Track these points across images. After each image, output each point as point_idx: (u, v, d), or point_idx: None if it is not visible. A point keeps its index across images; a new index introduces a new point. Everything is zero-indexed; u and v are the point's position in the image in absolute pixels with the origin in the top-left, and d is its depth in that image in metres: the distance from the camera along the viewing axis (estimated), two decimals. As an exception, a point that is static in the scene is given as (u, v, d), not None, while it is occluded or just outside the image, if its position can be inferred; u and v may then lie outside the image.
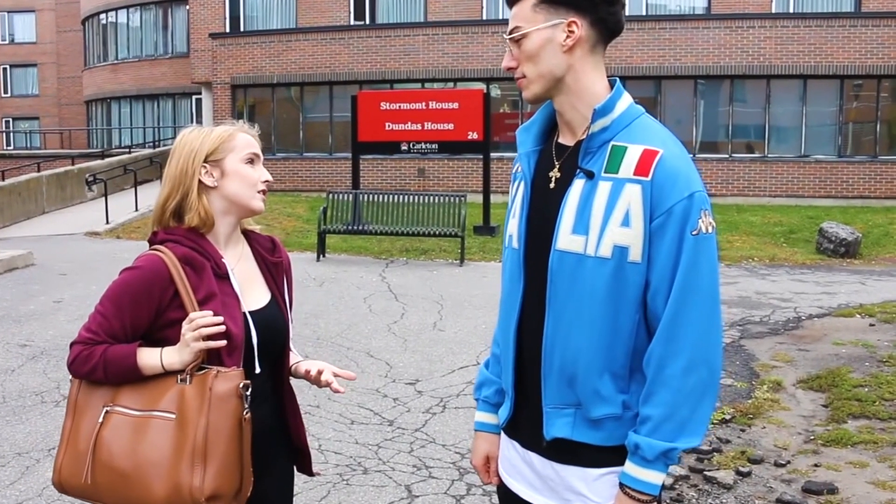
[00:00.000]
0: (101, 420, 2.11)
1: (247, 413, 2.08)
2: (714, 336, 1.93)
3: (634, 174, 1.90)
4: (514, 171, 2.17)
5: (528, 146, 2.12)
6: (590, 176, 1.94)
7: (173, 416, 2.07)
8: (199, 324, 2.08)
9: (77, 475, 2.11)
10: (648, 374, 1.92)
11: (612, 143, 1.95)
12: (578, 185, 1.96)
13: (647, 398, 1.92)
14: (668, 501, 4.53)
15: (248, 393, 2.09)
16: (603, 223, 1.91)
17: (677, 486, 4.74)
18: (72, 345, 2.17)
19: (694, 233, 1.88)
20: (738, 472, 4.89)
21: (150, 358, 2.12)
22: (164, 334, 2.15)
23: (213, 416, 2.05)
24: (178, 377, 2.10)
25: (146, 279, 2.13)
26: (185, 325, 2.10)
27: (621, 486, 1.93)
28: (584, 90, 1.99)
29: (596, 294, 1.91)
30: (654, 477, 1.90)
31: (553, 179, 2.03)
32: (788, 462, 5.08)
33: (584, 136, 1.98)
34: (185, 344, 2.09)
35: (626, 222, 1.89)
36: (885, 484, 4.70)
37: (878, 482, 4.74)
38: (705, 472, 4.89)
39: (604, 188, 1.92)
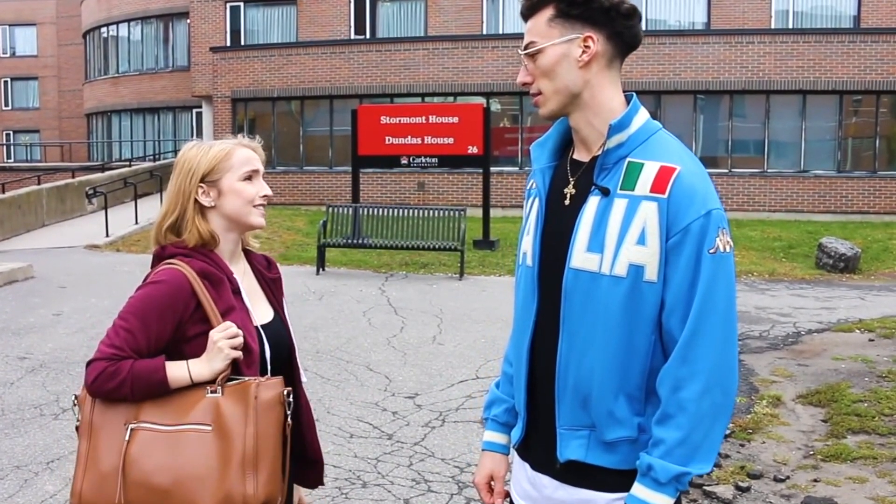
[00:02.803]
0: (127, 438, 2.06)
1: (289, 420, 2.09)
2: (730, 358, 1.88)
3: (651, 191, 1.84)
4: (528, 187, 2.11)
5: (542, 162, 2.06)
6: (605, 193, 1.89)
7: (209, 427, 2.05)
8: (233, 332, 2.09)
9: (104, 497, 2.05)
10: (662, 394, 1.85)
11: (628, 159, 1.89)
12: (594, 201, 1.90)
13: (661, 420, 1.85)
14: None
15: (291, 399, 2.10)
16: (618, 241, 1.85)
17: (677, 501, 4.73)
18: (90, 362, 2.11)
19: (711, 251, 1.83)
20: (738, 488, 4.89)
21: (177, 371, 2.10)
22: (182, 348, 2.14)
23: (261, 424, 2.05)
24: (209, 389, 2.08)
25: (170, 293, 2.12)
26: (216, 333, 2.09)
27: None
28: (600, 106, 1.94)
29: (610, 313, 1.86)
30: (664, 501, 1.83)
31: (568, 196, 1.97)
32: (788, 477, 5.07)
33: (600, 153, 1.92)
34: (219, 351, 2.08)
35: (641, 240, 1.84)
36: (885, 500, 4.70)
37: (878, 497, 4.73)
38: (704, 487, 4.88)
39: (619, 205, 1.87)
